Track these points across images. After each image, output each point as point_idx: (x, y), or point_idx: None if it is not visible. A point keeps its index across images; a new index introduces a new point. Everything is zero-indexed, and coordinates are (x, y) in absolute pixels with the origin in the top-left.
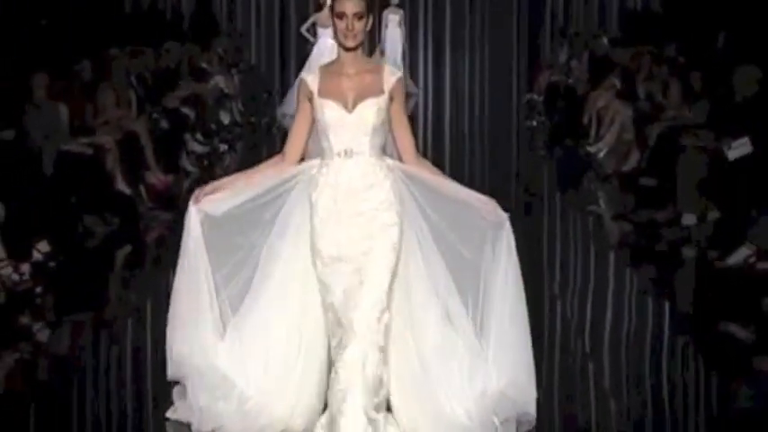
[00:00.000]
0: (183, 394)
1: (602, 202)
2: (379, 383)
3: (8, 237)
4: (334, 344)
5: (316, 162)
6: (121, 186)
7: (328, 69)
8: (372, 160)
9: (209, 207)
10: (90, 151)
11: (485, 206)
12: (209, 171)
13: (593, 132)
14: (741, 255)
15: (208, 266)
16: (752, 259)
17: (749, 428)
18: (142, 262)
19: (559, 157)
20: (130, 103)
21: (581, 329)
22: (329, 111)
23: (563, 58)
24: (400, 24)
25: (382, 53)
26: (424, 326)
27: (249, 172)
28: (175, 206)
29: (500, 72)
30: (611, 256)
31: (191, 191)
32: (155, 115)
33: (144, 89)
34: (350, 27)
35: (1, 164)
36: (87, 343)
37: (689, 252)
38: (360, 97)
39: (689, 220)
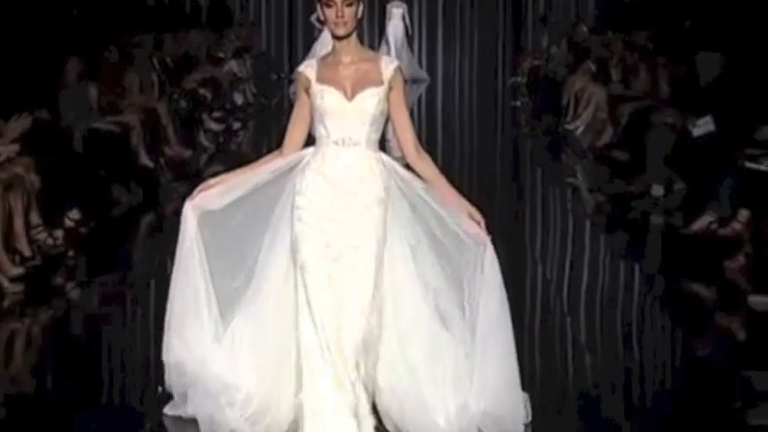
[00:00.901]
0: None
1: (579, 174)
2: (368, 384)
3: (43, 206)
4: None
5: (310, 150)
6: (145, 161)
7: (325, 60)
8: (369, 153)
9: (205, 202)
10: (117, 129)
11: (469, 224)
12: (225, 147)
13: (570, 112)
14: (704, 222)
15: (205, 266)
16: (713, 226)
17: (710, 378)
18: (162, 228)
19: (540, 134)
20: (153, 85)
21: (560, 290)
22: (329, 96)
23: (544, 44)
24: (403, 18)
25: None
26: (413, 326)
27: (245, 168)
28: (193, 178)
29: (487, 58)
30: (587, 224)
31: (208, 165)
32: (175, 96)
33: (165, 73)
34: (339, 14)
35: (36, 140)
36: (115, 301)
37: (657, 219)
38: (359, 86)
39: (657, 190)
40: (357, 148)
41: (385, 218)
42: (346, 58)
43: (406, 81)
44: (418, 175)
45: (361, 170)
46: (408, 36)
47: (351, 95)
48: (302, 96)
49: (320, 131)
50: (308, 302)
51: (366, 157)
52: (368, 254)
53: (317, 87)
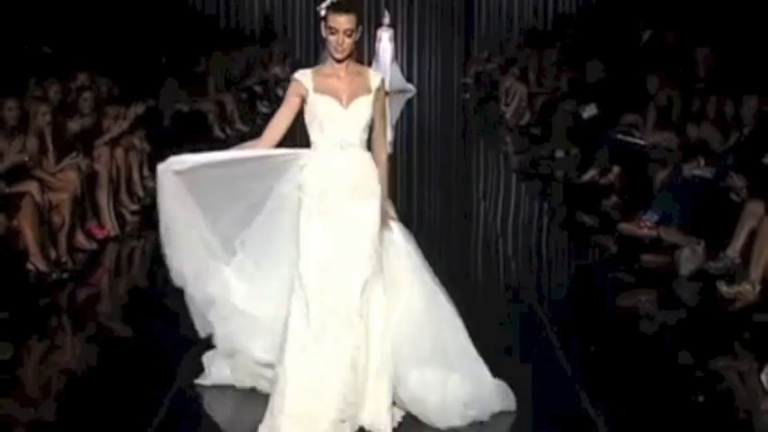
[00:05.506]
0: (213, 360)
1: (508, 143)
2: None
3: (152, 164)
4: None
5: (305, 152)
6: (217, 133)
7: (320, 72)
8: (364, 153)
9: (186, 162)
10: (199, 113)
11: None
12: None
13: (503, 101)
14: (590, 174)
15: (194, 207)
16: (596, 177)
17: (592, 277)
18: None
19: (483, 116)
20: (223, 83)
21: (495, 219)
22: (326, 105)
23: (485, 55)
24: (390, 40)
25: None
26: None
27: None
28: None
29: (447, 65)
30: (513, 176)
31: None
32: (237, 91)
33: (231, 74)
34: (340, 42)
35: (146, 119)
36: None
37: (559, 173)
38: (353, 96)
39: (559, 154)
40: (354, 149)
41: (379, 213)
42: (341, 73)
43: (387, 93)
44: None
45: (360, 168)
46: (395, 54)
47: (346, 104)
48: (293, 100)
49: (317, 136)
50: (306, 303)
51: (362, 158)
52: (367, 248)
53: (314, 96)
